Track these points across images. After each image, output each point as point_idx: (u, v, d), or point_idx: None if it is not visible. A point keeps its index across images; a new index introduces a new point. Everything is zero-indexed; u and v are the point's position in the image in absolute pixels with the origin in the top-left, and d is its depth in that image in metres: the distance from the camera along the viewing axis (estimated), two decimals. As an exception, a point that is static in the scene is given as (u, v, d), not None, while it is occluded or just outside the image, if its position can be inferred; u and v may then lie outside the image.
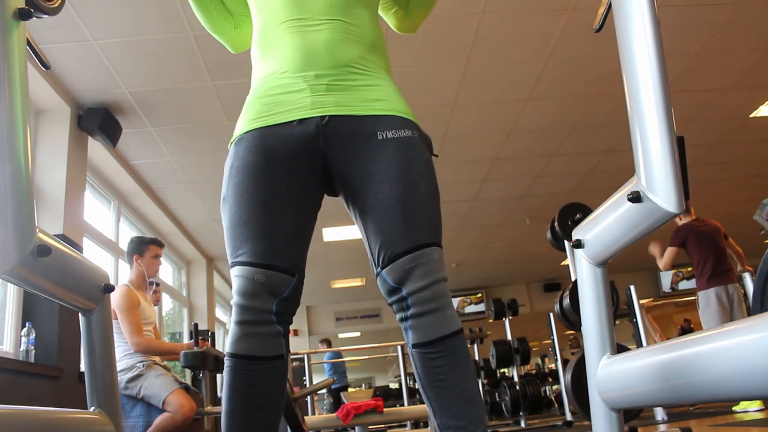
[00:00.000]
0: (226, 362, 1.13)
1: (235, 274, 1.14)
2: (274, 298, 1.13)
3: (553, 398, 8.87)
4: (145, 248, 3.27)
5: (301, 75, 1.19)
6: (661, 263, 4.52)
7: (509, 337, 6.22)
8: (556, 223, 4.45)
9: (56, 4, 1.20)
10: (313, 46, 1.19)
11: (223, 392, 1.14)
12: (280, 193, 1.16)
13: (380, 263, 1.16)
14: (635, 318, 4.22)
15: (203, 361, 2.77)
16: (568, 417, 5.13)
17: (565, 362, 4.90)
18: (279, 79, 1.20)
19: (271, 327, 1.13)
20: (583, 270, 1.25)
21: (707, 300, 4.36)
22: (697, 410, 4.70)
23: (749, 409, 4.06)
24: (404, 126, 1.20)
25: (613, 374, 1.17)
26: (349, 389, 8.98)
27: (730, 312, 4.29)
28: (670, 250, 4.51)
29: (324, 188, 1.25)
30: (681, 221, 4.61)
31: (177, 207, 5.69)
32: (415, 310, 1.12)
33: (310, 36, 1.20)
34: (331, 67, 1.19)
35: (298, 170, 1.18)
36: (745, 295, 4.53)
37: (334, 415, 3.52)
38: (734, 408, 4.28)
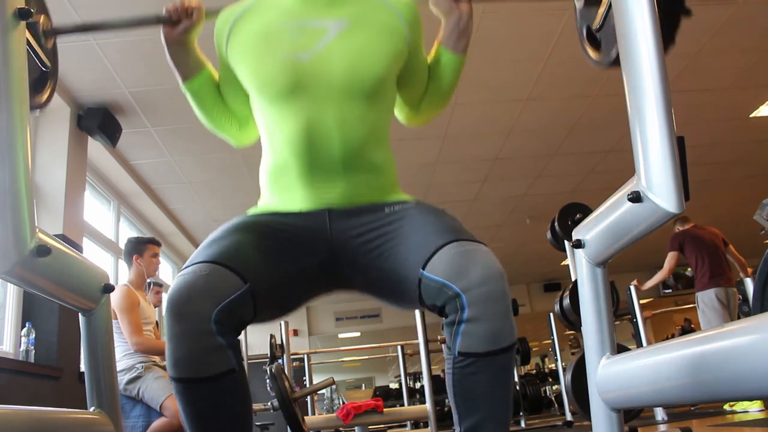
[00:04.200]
0: (173, 387, 0.97)
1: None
2: (213, 303, 0.94)
3: (553, 398, 8.88)
4: (143, 248, 3.28)
5: (308, 177, 1.16)
6: (663, 273, 4.53)
7: (509, 337, 6.22)
8: (556, 223, 4.45)
9: None
10: (321, 149, 1.15)
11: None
12: (280, 259, 1.11)
13: (418, 267, 1.02)
14: (635, 318, 4.22)
15: (203, 361, 2.77)
16: (568, 417, 5.14)
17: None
18: (285, 173, 1.18)
19: (209, 339, 0.93)
20: (583, 270, 1.25)
21: (707, 300, 4.35)
22: (697, 410, 4.70)
23: (749, 409, 4.06)
24: (408, 202, 1.19)
25: (613, 374, 1.17)
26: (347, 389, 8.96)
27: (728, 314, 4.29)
28: (670, 255, 4.52)
29: (328, 283, 1.21)
30: (678, 229, 4.62)
31: (177, 207, 5.69)
32: (471, 312, 0.96)
33: (318, 131, 1.14)
34: (339, 169, 1.15)
35: (304, 255, 1.14)
36: (745, 300, 4.53)
37: (334, 415, 3.52)
38: (725, 407, 4.28)
